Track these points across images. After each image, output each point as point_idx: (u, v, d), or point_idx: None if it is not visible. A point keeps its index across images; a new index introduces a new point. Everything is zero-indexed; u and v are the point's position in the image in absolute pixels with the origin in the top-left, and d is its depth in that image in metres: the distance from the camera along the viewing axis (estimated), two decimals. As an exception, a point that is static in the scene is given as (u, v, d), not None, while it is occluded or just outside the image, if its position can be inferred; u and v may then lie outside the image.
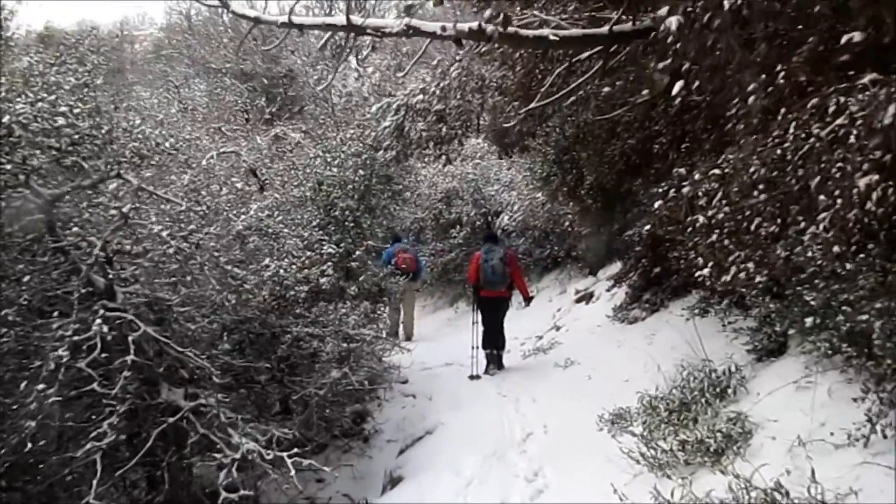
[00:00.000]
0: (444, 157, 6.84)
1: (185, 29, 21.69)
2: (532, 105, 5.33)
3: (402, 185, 8.29)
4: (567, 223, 11.83)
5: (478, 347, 9.11)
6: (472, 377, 8.82)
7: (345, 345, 6.13)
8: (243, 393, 6.64)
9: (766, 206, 2.98)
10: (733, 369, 5.01)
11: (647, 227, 6.48)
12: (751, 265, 2.99)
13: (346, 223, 7.69)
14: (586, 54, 5.46)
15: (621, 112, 5.64)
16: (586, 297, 11.26)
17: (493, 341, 9.14)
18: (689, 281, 8.16)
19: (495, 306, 9.18)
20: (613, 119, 6.63)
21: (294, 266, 5.79)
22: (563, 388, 7.19)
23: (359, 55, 23.38)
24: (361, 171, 7.64)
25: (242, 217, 5.74)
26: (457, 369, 9.83)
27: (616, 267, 11.10)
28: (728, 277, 3.13)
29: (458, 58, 6.21)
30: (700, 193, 3.09)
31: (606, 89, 5.45)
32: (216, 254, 4.84)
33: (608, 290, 10.63)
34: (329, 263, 6.12)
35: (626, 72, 5.55)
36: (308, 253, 5.95)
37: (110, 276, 4.69)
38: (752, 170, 2.96)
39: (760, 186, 2.96)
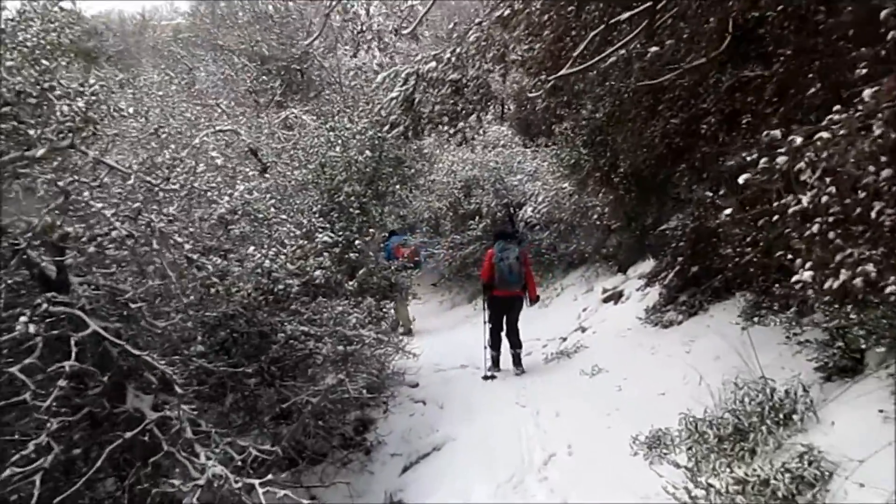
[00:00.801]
0: (460, 135, 6.07)
1: (206, 14, 21.11)
2: (563, 72, 4.53)
3: (414, 168, 7.52)
4: (595, 216, 11.00)
5: (487, 347, 8.89)
6: (485, 377, 8.54)
7: (341, 347, 5.39)
8: (232, 398, 5.95)
9: (891, 186, 2.18)
10: (800, 391, 4.17)
11: (691, 219, 5.69)
12: (870, 266, 2.20)
13: (352, 210, 6.95)
14: (626, 15, 4.64)
15: (671, 77, 4.80)
16: (615, 297, 10.45)
17: (516, 340, 8.87)
18: (732, 282, 7.36)
19: (509, 306, 8.85)
20: (655, 95, 5.81)
21: (284, 256, 5.06)
22: (590, 400, 6.41)
23: (381, 40, 22.69)
24: (369, 152, 6.89)
25: (226, 199, 5.01)
26: (471, 373, 9.09)
27: (648, 265, 10.26)
28: (835, 283, 2.32)
29: (477, 20, 5.43)
30: (802, 166, 2.30)
31: (654, 49, 4.63)
32: (181, 239, 4.11)
33: (639, 290, 9.82)
34: (325, 254, 5.37)
35: (676, 29, 4.72)
36: (301, 242, 5.21)
37: (59, 265, 3.98)
38: (875, 133, 2.17)
39: (883, 159, 2.17)
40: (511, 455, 5.39)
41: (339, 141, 6.90)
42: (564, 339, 9.97)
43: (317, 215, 6.56)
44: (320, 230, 5.39)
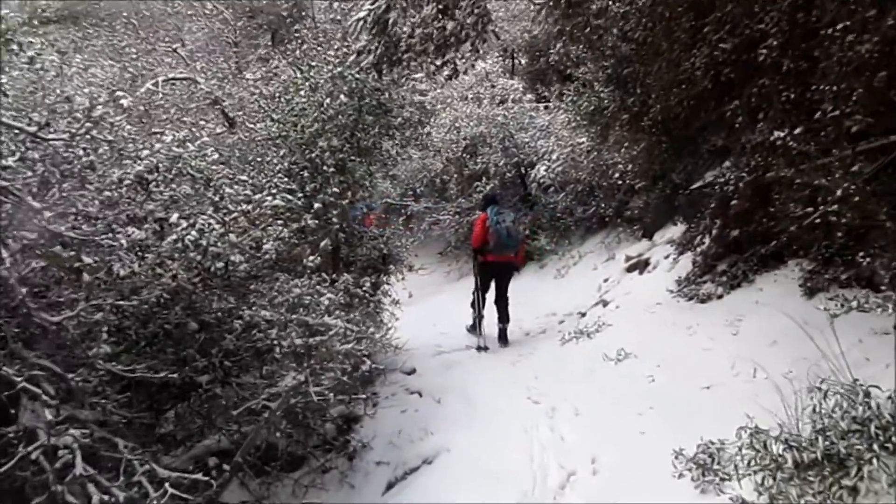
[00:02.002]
0: (449, 68, 4.89)
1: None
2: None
3: (401, 118, 6.36)
4: (617, 175, 9.82)
5: (483, 317, 8.58)
6: (479, 348, 8.28)
7: (300, 341, 4.30)
8: (180, 404, 4.96)
9: None
10: (916, 401, 3.05)
11: (747, 169, 4.53)
12: None
13: (325, 168, 5.82)
14: None
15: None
16: (640, 266, 9.31)
17: (504, 312, 8.62)
18: (787, 248, 6.21)
19: (505, 272, 8.66)
20: (699, 15, 4.63)
21: (221, 225, 3.96)
22: (617, 395, 5.33)
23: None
24: (344, 97, 5.74)
25: (146, 153, 3.91)
26: (476, 356, 8.03)
27: (677, 229, 9.12)
28: None
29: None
30: None
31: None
32: (37, 203, 3.01)
33: (668, 258, 8.68)
34: (285, 222, 4.26)
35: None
36: (245, 207, 4.11)
37: None
38: None
39: None
40: (519, 473, 4.31)
41: (307, 84, 5.74)
42: (583, 315, 8.89)
43: (282, 175, 5.46)
44: (274, 193, 4.27)
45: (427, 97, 14.42)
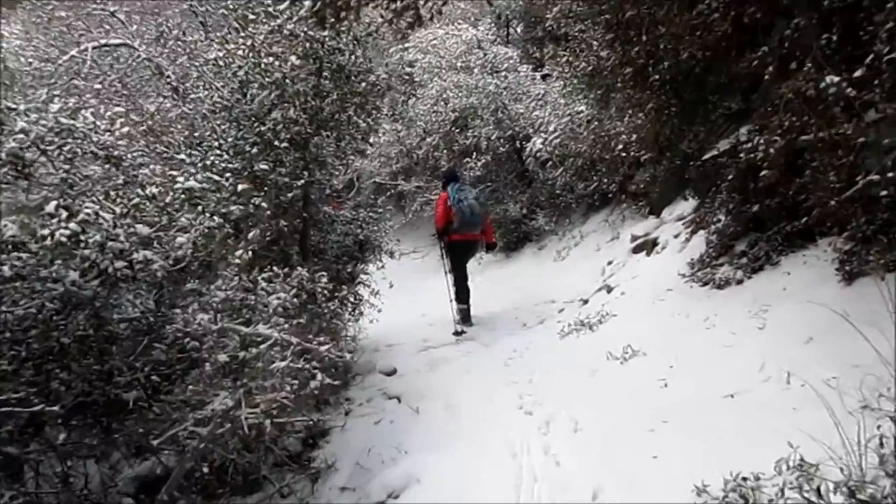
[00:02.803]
0: (409, 11, 4.06)
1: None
2: None
3: (366, 82, 5.50)
4: (620, 147, 8.96)
5: (452, 301, 8.45)
6: (456, 333, 8.03)
7: (223, 357, 3.51)
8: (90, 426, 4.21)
9: None
10: None
11: (780, 130, 3.72)
12: None
13: (277, 143, 4.99)
14: None
15: None
16: (647, 246, 8.52)
17: (464, 292, 8.55)
18: (821, 224, 5.40)
19: (470, 251, 8.72)
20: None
21: (113, 214, 3.16)
22: (624, 403, 4.56)
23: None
24: (296, 60, 4.87)
25: (21, 125, 3.12)
26: (465, 351, 7.29)
27: (687, 205, 8.31)
28: None
29: None
30: None
31: None
32: None
33: (678, 237, 7.89)
34: (201, 208, 3.45)
35: None
36: (151, 190, 3.30)
37: None
38: None
39: None
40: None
41: (247, 43, 4.87)
42: (586, 302, 8.12)
43: (216, 151, 4.65)
44: (193, 173, 3.45)
45: (415, 68, 13.70)
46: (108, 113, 3.82)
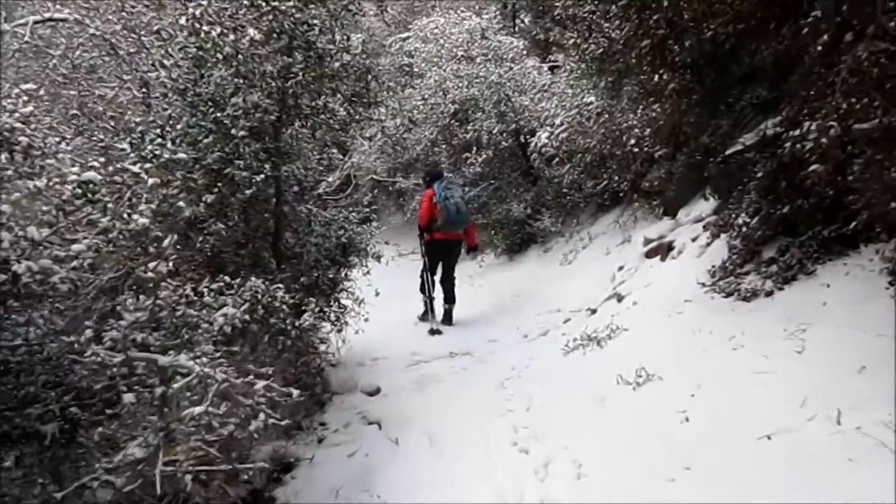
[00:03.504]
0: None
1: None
2: None
3: (339, 62, 4.81)
4: (633, 141, 8.24)
5: (433, 298, 8.47)
6: (431, 332, 8.05)
7: (128, 397, 2.84)
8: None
9: None
10: None
11: (835, 116, 3.04)
12: None
13: (234, 132, 4.32)
14: None
15: None
16: (662, 251, 7.81)
17: (451, 293, 8.55)
18: (868, 228, 4.70)
19: (450, 250, 8.60)
20: None
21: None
22: (637, 441, 3.89)
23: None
24: (256, 34, 4.20)
25: None
26: (461, 367, 6.65)
27: (707, 205, 7.60)
28: None
29: None
30: None
31: None
32: None
33: (696, 240, 7.19)
34: (100, 207, 2.76)
35: None
36: (35, 184, 2.63)
37: None
38: None
39: None
40: None
41: (191, 12, 4.19)
42: (594, 312, 7.43)
43: (169, 140, 4.00)
44: (94, 166, 2.77)
45: (414, 58, 13.03)
46: (15, 91, 3.16)
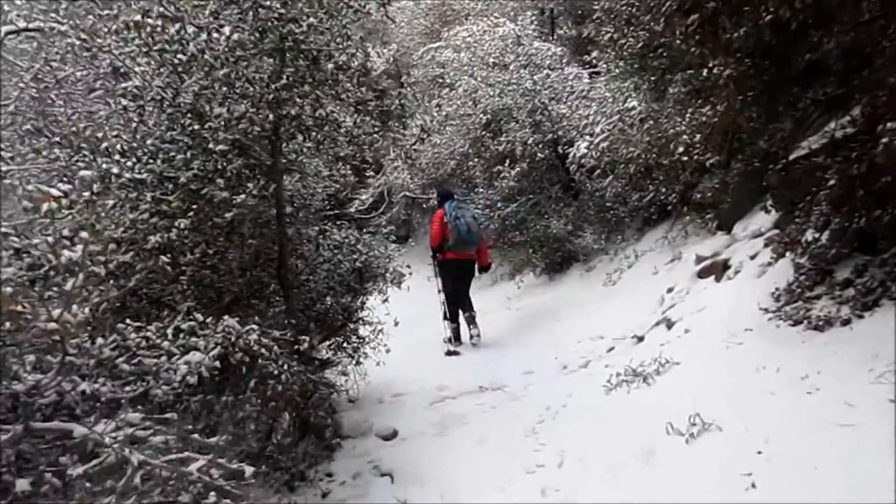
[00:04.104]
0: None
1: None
2: None
3: (333, 62, 4.20)
4: (681, 149, 7.54)
5: (448, 320, 8.39)
6: (448, 353, 7.97)
7: (24, 483, 2.27)
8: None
9: None
10: None
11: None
12: None
13: (211, 146, 3.75)
14: None
15: None
16: (716, 270, 7.07)
17: (468, 304, 8.48)
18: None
19: (467, 270, 8.57)
20: None
21: None
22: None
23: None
24: (231, 32, 3.64)
25: None
26: (490, 405, 5.98)
27: (767, 218, 6.83)
28: None
29: None
30: None
31: None
32: None
33: (755, 258, 6.46)
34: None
35: None
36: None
37: None
38: None
39: None
40: None
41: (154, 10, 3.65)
42: (640, 340, 6.72)
43: (132, 156, 3.47)
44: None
45: (447, 69, 12.50)
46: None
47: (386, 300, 6.26)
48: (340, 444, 5.30)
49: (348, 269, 5.89)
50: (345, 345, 6.30)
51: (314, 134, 4.84)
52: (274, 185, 4.70)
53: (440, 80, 12.61)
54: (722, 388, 4.41)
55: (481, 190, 10.82)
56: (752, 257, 6.54)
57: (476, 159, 10.96)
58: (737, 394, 4.24)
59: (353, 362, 6.30)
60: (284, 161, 4.89)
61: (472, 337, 8.23)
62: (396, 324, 6.17)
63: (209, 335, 3.29)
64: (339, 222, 6.44)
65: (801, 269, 5.28)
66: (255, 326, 3.44)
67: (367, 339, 6.42)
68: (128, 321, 3.22)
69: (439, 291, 8.55)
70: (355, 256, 5.78)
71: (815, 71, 5.16)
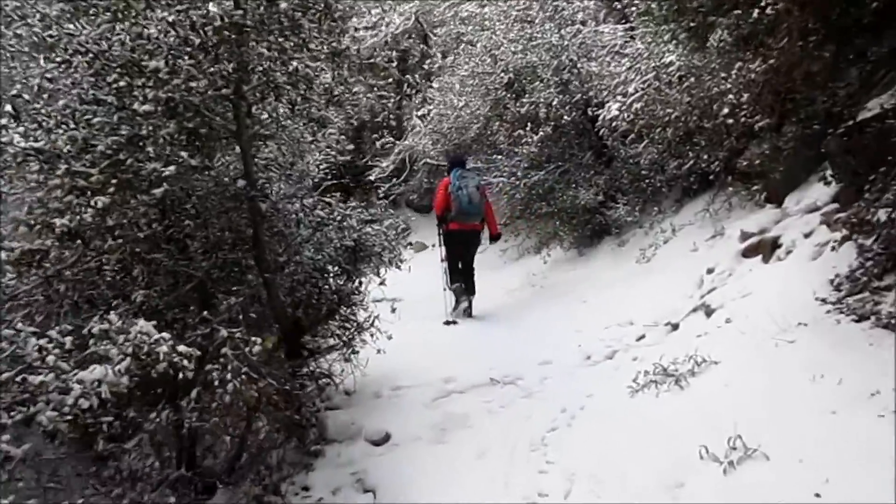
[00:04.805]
0: None
1: None
2: None
3: (308, 3, 3.47)
4: (726, 109, 6.68)
5: (447, 289, 8.37)
6: (447, 322, 7.91)
7: None
8: None
9: None
10: None
11: None
12: None
13: (139, 104, 3.07)
14: None
15: None
16: (764, 249, 6.25)
17: (467, 284, 8.44)
18: None
19: (468, 241, 8.48)
20: None
21: None
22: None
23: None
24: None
25: None
26: (499, 405, 5.30)
27: (824, 190, 5.97)
28: None
29: None
30: None
31: None
32: None
33: (810, 237, 5.65)
34: None
35: None
36: None
37: None
38: None
39: None
40: None
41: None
42: (675, 328, 6.00)
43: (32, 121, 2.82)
44: None
45: (470, 25, 11.68)
46: None
47: (382, 283, 5.58)
48: (324, 451, 4.67)
49: (338, 248, 5.22)
50: (339, 332, 5.67)
51: (288, 93, 4.13)
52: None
53: (463, 39, 11.82)
54: (769, 402, 3.67)
55: (500, 157, 10.00)
56: (807, 236, 5.72)
57: (497, 123, 10.14)
58: (788, 410, 3.50)
59: (349, 352, 5.66)
60: (254, 126, 4.20)
61: (457, 305, 8.28)
62: (393, 310, 5.51)
63: (122, 344, 2.66)
64: (338, 194, 5.76)
65: (868, 252, 4.46)
66: (165, 335, 2.78)
67: (364, 325, 5.77)
68: (19, 325, 2.60)
69: (442, 260, 8.49)
70: (343, 234, 5.09)
71: (890, 15, 4.31)
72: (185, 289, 4.22)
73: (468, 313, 8.25)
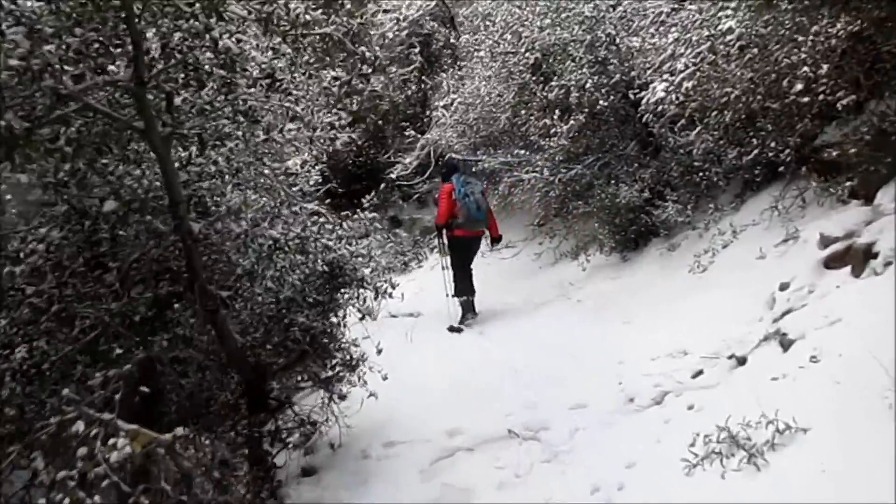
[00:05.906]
0: None
1: None
2: None
3: None
4: (799, 85, 5.47)
5: (452, 296, 8.52)
6: (451, 329, 8.17)
7: None
8: None
9: None
10: None
11: None
12: None
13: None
14: None
15: None
16: (854, 258, 5.07)
17: (471, 287, 8.57)
18: None
19: (473, 246, 8.71)
20: None
21: None
22: None
23: None
24: None
25: None
26: (508, 476, 4.20)
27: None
28: None
29: None
30: None
31: None
32: None
33: (916, 242, 4.46)
34: None
35: None
36: None
37: None
38: None
39: None
40: None
41: None
42: (741, 363, 4.87)
43: None
44: None
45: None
46: None
47: (362, 318, 4.54)
48: None
49: (308, 275, 4.18)
50: (316, 375, 4.67)
51: (210, 78, 3.11)
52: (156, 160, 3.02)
53: (490, 18, 10.78)
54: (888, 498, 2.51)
55: (524, 153, 9.00)
56: (911, 241, 4.52)
57: (524, 111, 9.04)
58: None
59: (328, 399, 4.65)
60: (171, 123, 3.19)
61: (464, 318, 8.40)
62: (379, 352, 4.48)
63: None
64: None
65: None
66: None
67: (352, 365, 4.76)
68: None
69: (444, 269, 8.67)
70: (310, 257, 4.06)
71: None
72: (83, 339, 3.25)
73: (472, 310, 8.49)
